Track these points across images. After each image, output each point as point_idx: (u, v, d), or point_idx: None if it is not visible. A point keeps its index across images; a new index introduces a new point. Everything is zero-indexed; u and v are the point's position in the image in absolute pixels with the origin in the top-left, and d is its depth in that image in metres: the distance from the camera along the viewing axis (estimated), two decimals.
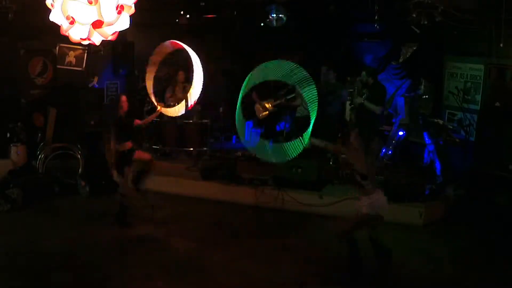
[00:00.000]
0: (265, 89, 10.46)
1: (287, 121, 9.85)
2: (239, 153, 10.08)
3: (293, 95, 9.91)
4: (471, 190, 8.13)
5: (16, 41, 9.29)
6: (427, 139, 8.58)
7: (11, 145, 8.93)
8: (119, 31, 4.84)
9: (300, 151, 5.96)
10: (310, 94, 5.82)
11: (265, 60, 10.11)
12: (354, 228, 5.78)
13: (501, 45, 7.66)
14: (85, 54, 9.93)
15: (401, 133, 9.06)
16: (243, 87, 6.24)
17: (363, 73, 8.55)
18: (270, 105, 10.30)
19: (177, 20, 10.38)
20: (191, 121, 9.65)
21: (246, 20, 10.23)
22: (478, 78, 8.86)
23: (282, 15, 9.51)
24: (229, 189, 8.30)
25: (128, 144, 7.07)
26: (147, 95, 10.01)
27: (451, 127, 8.76)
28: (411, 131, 9.07)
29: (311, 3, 9.65)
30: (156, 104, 8.31)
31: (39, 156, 8.76)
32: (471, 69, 8.99)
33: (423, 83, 9.59)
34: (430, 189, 8.02)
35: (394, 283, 5.89)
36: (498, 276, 6.13)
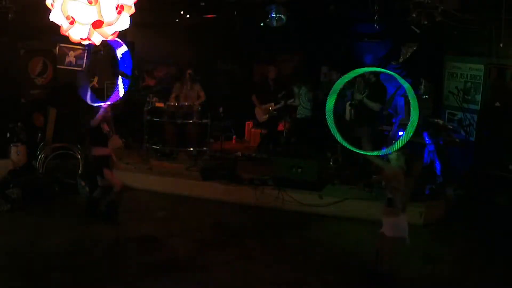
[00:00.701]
0: (264, 93, 10.50)
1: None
2: (239, 153, 10.09)
3: (292, 100, 9.99)
4: (471, 190, 8.13)
5: (16, 41, 9.28)
6: (427, 139, 8.58)
7: (11, 145, 8.92)
8: (119, 31, 4.84)
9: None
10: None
11: (264, 59, 10.19)
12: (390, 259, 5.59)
13: (501, 45, 7.66)
14: (85, 54, 9.92)
15: (401, 133, 9.04)
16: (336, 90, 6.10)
17: None
18: (271, 109, 10.33)
19: (177, 20, 10.38)
20: (191, 121, 9.65)
21: (246, 20, 10.22)
22: (478, 78, 8.86)
23: (282, 15, 9.51)
24: (229, 189, 8.30)
25: (106, 150, 7.03)
26: (147, 95, 10.08)
27: (451, 127, 8.75)
28: None
29: (311, 3, 9.64)
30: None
31: (39, 156, 8.76)
32: (471, 69, 8.99)
33: (423, 83, 9.59)
34: (430, 189, 8.03)
35: (394, 283, 5.89)
36: (498, 276, 6.13)
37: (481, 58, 8.72)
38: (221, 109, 10.11)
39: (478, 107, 8.82)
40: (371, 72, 8.62)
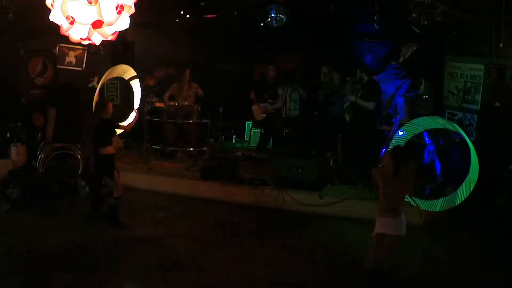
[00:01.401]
0: (264, 92, 10.51)
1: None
2: (239, 153, 10.09)
3: (274, 104, 10.07)
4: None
5: (16, 41, 9.29)
6: (427, 139, 8.58)
7: (11, 145, 8.92)
8: (119, 31, 4.84)
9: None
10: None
11: (264, 59, 10.19)
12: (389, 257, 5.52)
13: (501, 45, 7.66)
14: (85, 54, 9.94)
15: (401, 133, 9.05)
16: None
17: (358, 70, 8.74)
18: (268, 108, 10.34)
19: (177, 20, 10.38)
20: (191, 121, 9.66)
21: (246, 20, 10.23)
22: (478, 78, 8.86)
23: (282, 15, 9.51)
24: (229, 189, 8.30)
25: (110, 149, 6.94)
26: (147, 95, 10.08)
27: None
28: None
29: (311, 3, 9.65)
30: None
31: (39, 156, 8.75)
32: (471, 69, 8.99)
33: (423, 83, 9.60)
34: (430, 189, 8.02)
35: (394, 283, 5.89)
36: (498, 276, 6.13)
37: (481, 58, 8.71)
38: (221, 109, 10.12)
39: (478, 107, 8.82)
40: (362, 71, 8.72)
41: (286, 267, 6.10)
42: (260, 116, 10.55)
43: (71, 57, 9.90)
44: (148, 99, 9.97)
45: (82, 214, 7.55)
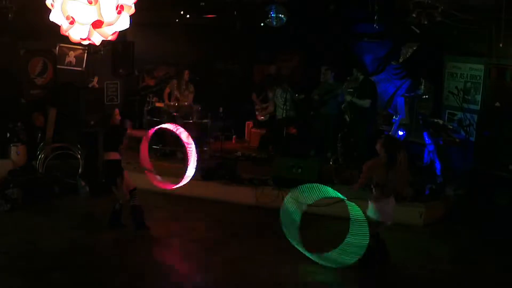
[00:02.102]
0: (264, 92, 10.52)
1: None
2: (239, 153, 10.09)
3: (266, 110, 10.10)
4: (471, 190, 8.12)
5: (16, 41, 9.28)
6: (427, 139, 8.58)
7: (11, 145, 8.92)
8: (119, 31, 4.84)
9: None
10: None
11: (264, 59, 10.16)
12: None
13: (501, 45, 7.65)
14: (85, 54, 9.93)
15: (401, 133, 9.07)
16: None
17: (354, 69, 8.79)
18: (270, 109, 10.36)
19: (177, 20, 10.38)
20: (191, 121, 9.65)
21: (246, 20, 10.23)
22: (478, 78, 8.86)
23: (282, 15, 9.52)
24: (229, 189, 8.30)
25: (114, 154, 6.85)
26: (147, 95, 10.08)
27: (451, 127, 8.75)
28: (411, 131, 9.07)
29: (311, 3, 9.65)
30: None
31: (39, 156, 8.75)
32: (471, 69, 8.98)
33: (423, 83, 9.59)
34: (430, 189, 8.02)
35: (394, 283, 5.90)
36: (498, 276, 6.13)
37: (481, 58, 8.71)
38: (221, 109, 10.12)
39: (478, 107, 8.82)
40: (358, 71, 8.80)
41: (286, 267, 6.10)
42: (262, 117, 10.57)
43: (71, 57, 9.89)
44: (148, 99, 9.96)
45: (82, 214, 7.56)
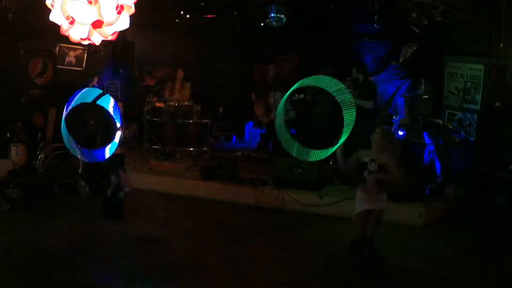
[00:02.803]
0: (263, 92, 10.50)
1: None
2: (239, 153, 10.09)
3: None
4: (471, 190, 8.12)
5: (16, 41, 9.28)
6: (427, 139, 8.58)
7: (11, 145, 8.91)
8: (119, 31, 4.84)
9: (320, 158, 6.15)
10: (348, 117, 5.99)
11: (264, 59, 10.16)
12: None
13: (501, 45, 7.65)
14: (85, 54, 9.93)
15: (401, 133, 9.06)
16: (289, 91, 6.37)
17: (354, 69, 8.77)
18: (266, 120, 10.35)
19: (177, 20, 10.39)
20: (191, 121, 9.66)
21: (246, 20, 10.23)
22: (478, 78, 8.85)
23: (282, 15, 9.52)
24: (229, 189, 8.30)
25: (119, 148, 6.98)
26: (147, 94, 10.08)
27: (451, 127, 8.75)
28: (411, 131, 9.07)
29: (311, 3, 9.65)
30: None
31: (39, 156, 8.75)
32: (471, 69, 8.98)
33: (423, 83, 9.59)
34: (430, 189, 8.02)
35: (394, 283, 5.90)
36: (498, 276, 6.13)
37: (481, 58, 8.70)
38: (221, 109, 10.12)
39: (478, 107, 8.81)
40: (359, 71, 8.77)
41: (286, 267, 6.11)
42: (263, 117, 10.56)
43: (71, 57, 9.89)
44: (148, 99, 9.96)
45: (82, 214, 7.57)
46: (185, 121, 9.62)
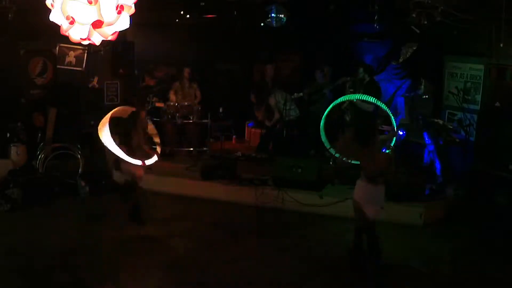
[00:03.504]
0: (263, 92, 10.49)
1: None
2: (239, 153, 10.08)
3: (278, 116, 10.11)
4: (471, 190, 8.12)
5: (16, 41, 9.27)
6: (427, 139, 8.58)
7: (11, 145, 8.91)
8: (119, 31, 4.84)
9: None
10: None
11: (264, 59, 10.11)
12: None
13: (501, 45, 7.65)
14: (85, 54, 9.93)
15: (401, 133, 9.07)
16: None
17: (360, 69, 8.75)
18: (277, 116, 10.33)
19: (177, 20, 10.38)
20: (191, 121, 9.65)
21: (246, 20, 10.23)
22: (478, 78, 8.86)
23: (282, 15, 9.51)
24: (229, 189, 8.30)
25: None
26: (147, 94, 10.07)
27: (451, 127, 8.75)
28: (411, 131, 9.07)
29: (311, 3, 9.65)
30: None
31: (39, 156, 8.75)
32: (471, 69, 8.98)
33: (423, 83, 9.59)
34: (430, 189, 8.02)
35: (394, 283, 5.90)
36: (498, 276, 6.13)
37: (481, 58, 8.71)
38: (221, 109, 10.11)
39: (478, 107, 8.81)
40: (365, 72, 8.73)
41: (286, 267, 6.11)
42: (262, 117, 10.55)
43: (71, 57, 9.89)
44: (148, 99, 9.95)
45: (82, 214, 7.57)
46: (185, 121, 9.61)
